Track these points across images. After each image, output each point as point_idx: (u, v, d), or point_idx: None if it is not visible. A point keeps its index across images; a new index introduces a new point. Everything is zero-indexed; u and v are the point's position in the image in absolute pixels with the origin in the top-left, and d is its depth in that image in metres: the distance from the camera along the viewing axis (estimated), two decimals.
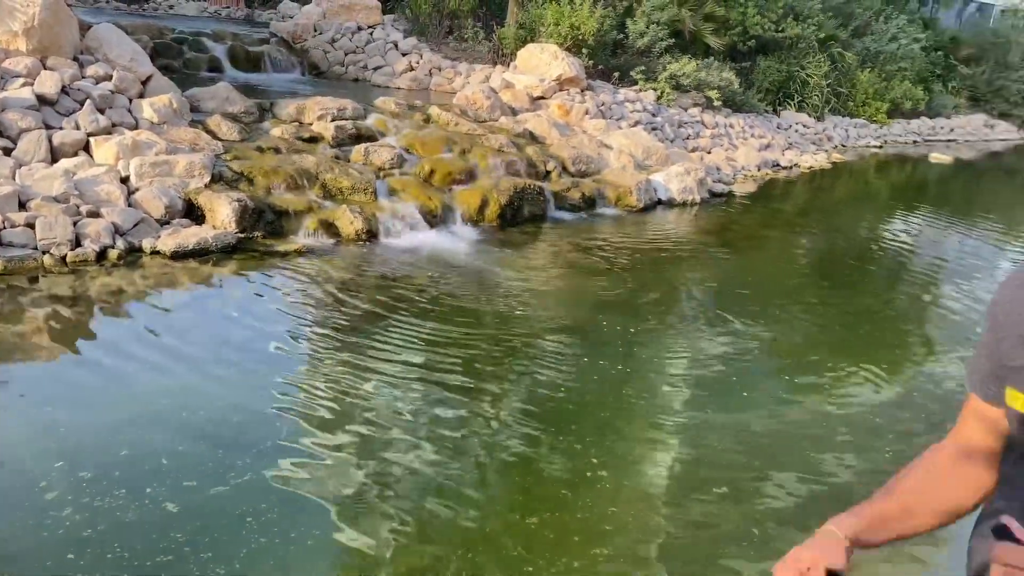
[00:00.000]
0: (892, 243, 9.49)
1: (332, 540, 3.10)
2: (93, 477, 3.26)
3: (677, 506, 3.57)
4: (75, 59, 7.34)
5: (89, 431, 3.68)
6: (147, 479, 3.28)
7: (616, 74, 12.85)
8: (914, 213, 11.23)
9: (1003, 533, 0.87)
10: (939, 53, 20.41)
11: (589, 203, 8.93)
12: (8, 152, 6.18)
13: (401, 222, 7.12)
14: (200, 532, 3.00)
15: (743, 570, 3.17)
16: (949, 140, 20.05)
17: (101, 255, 5.67)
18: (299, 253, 6.31)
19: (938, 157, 16.19)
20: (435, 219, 7.39)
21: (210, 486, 3.29)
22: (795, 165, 13.35)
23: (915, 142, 18.65)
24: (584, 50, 12.32)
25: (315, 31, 12.70)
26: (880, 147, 17.06)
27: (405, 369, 4.58)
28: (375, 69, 12.51)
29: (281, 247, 6.32)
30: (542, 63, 11.54)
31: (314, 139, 7.95)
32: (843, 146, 16.11)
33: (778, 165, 13.08)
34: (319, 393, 4.20)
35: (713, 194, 10.36)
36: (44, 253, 5.48)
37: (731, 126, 13.45)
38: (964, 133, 21.00)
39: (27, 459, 3.38)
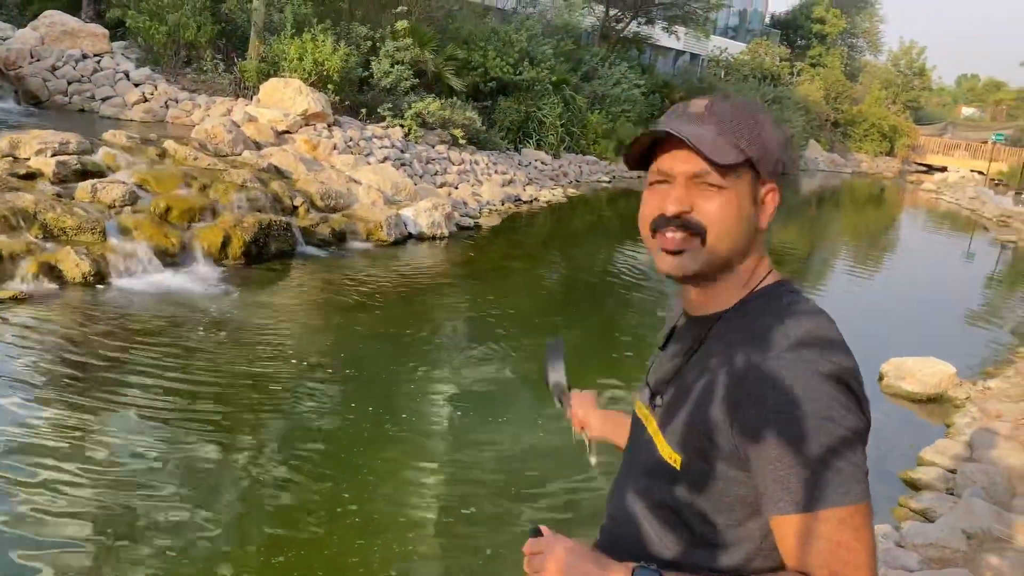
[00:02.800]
0: (623, 268, 10.40)
1: None
2: None
3: (424, 530, 3.72)
4: None
5: None
6: None
7: (364, 110, 13.00)
8: (640, 241, 12.38)
9: (535, 533, 1.13)
10: (656, 96, 22.66)
11: (340, 238, 8.95)
12: None
13: (135, 262, 6.73)
14: None
15: None
16: None
17: None
18: (16, 300, 5.77)
19: None
20: (173, 258, 7.06)
21: None
22: (535, 199, 14.23)
23: (639, 177, 20.52)
24: (330, 86, 12.36)
25: (32, 57, 11.63)
26: (609, 182, 18.62)
27: (144, 421, 4.36)
28: (104, 100, 11.69)
29: None
30: (286, 97, 11.42)
31: (32, 175, 7.29)
32: (578, 181, 17.40)
33: (520, 200, 13.87)
34: (48, 450, 3.89)
35: (461, 227, 10.79)
36: None
37: (476, 163, 14.07)
38: None
39: None
